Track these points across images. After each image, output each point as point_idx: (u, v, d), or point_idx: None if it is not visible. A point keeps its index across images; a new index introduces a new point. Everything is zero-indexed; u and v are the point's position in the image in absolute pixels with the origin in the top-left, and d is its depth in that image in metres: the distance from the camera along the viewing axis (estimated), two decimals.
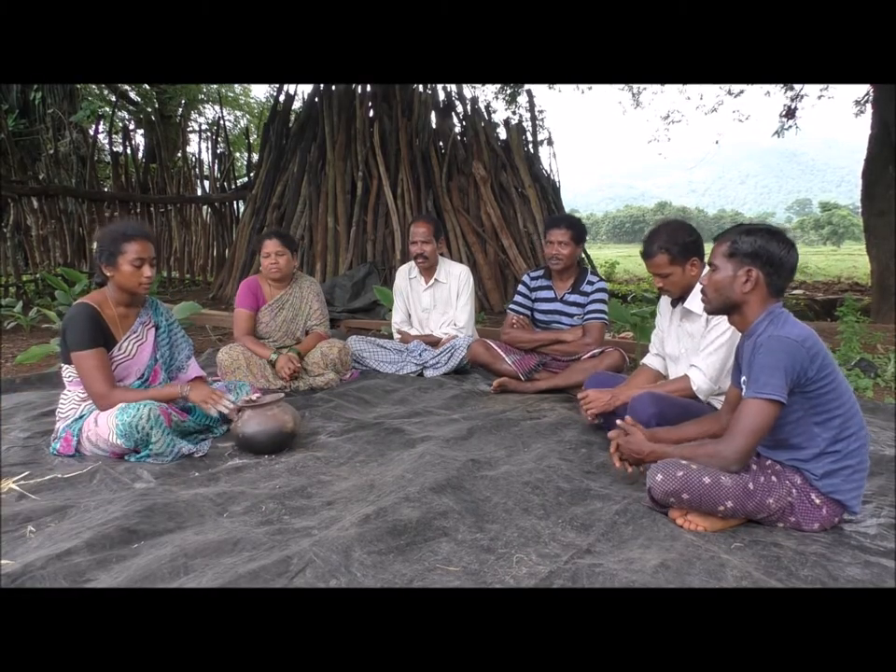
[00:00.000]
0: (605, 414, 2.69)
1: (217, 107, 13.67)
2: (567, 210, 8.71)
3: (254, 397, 2.65)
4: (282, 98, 8.57)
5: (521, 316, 3.72)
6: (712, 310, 2.01)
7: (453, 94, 8.37)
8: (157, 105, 13.36)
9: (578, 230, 3.55)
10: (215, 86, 13.82)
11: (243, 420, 2.53)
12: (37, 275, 7.50)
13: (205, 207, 10.25)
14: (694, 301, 2.52)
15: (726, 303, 1.93)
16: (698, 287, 2.51)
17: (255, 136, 12.69)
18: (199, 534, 1.84)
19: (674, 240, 2.50)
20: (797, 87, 9.64)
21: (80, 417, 2.54)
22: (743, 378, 1.91)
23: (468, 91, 8.60)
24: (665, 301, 2.76)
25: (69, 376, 2.56)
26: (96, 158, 9.98)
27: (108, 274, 2.56)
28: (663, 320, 2.78)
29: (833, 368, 1.81)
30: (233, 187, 10.57)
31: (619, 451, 2.09)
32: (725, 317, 2.06)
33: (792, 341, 1.77)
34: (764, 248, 1.85)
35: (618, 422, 2.15)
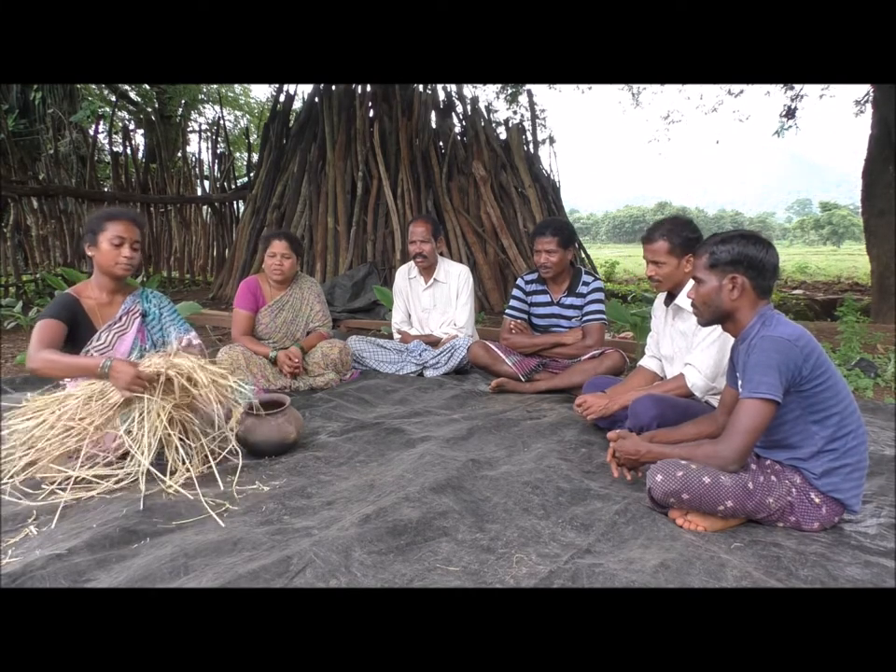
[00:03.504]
0: (605, 418, 2.70)
1: (217, 107, 13.68)
2: (566, 210, 8.71)
3: (255, 401, 2.63)
4: (282, 98, 8.57)
5: (518, 321, 3.72)
6: (705, 322, 2.02)
7: (453, 94, 8.37)
8: (157, 105, 13.36)
9: (564, 234, 3.50)
10: (215, 86, 13.83)
11: (246, 426, 2.52)
12: (37, 275, 7.50)
13: (205, 207, 10.25)
14: (685, 299, 2.55)
15: (717, 313, 1.95)
16: (689, 284, 2.53)
17: (255, 136, 12.70)
18: (199, 534, 1.84)
19: (678, 232, 2.55)
20: (797, 87, 9.64)
21: None
22: (739, 381, 1.91)
23: (468, 90, 8.61)
24: (659, 302, 2.78)
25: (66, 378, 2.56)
26: (96, 158, 9.97)
27: (90, 254, 2.57)
28: (657, 322, 2.80)
29: (828, 366, 1.81)
30: (233, 187, 10.57)
31: (616, 457, 2.10)
32: None
33: (785, 340, 1.77)
34: (743, 253, 1.87)
35: (608, 435, 2.16)
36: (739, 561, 1.67)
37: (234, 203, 10.11)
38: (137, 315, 2.68)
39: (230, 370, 3.37)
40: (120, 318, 2.63)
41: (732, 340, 2.05)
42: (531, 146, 8.43)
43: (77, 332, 2.55)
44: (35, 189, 7.97)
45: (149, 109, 13.39)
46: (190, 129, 14.12)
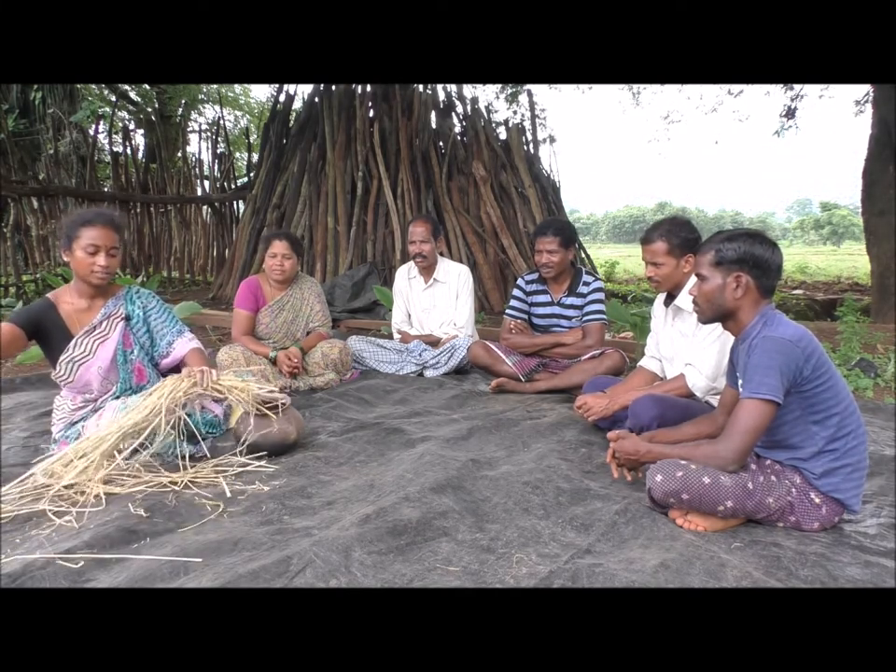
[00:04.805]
0: (605, 418, 2.70)
1: (217, 107, 13.68)
2: (566, 210, 8.71)
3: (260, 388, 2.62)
4: (282, 98, 8.57)
5: (518, 321, 3.72)
6: (706, 319, 2.02)
7: (453, 94, 8.37)
8: (157, 105, 13.35)
9: (566, 234, 3.51)
10: (215, 86, 13.83)
11: (246, 426, 2.52)
12: (37, 275, 7.50)
13: (205, 207, 10.25)
14: (685, 299, 2.55)
15: (719, 311, 1.94)
16: (689, 284, 2.54)
17: (255, 136, 12.69)
18: (199, 534, 1.84)
19: (676, 232, 2.55)
20: (797, 87, 9.64)
21: (73, 424, 2.53)
22: (739, 381, 1.91)
23: (468, 90, 8.61)
24: (658, 303, 2.78)
25: (59, 378, 2.54)
26: (96, 158, 9.97)
27: (66, 260, 2.47)
28: (657, 322, 2.80)
29: (828, 366, 1.81)
30: (233, 187, 10.56)
31: (616, 458, 2.10)
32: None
33: (787, 341, 1.77)
34: (749, 252, 1.86)
35: (608, 435, 2.15)
36: (739, 561, 1.67)
37: (234, 202, 10.10)
38: (119, 319, 2.58)
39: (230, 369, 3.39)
40: (101, 324, 2.54)
41: (732, 340, 2.06)
42: (531, 146, 8.43)
43: (49, 339, 2.48)
44: (35, 188, 7.97)
45: (149, 109, 13.39)
46: (190, 129, 14.12)
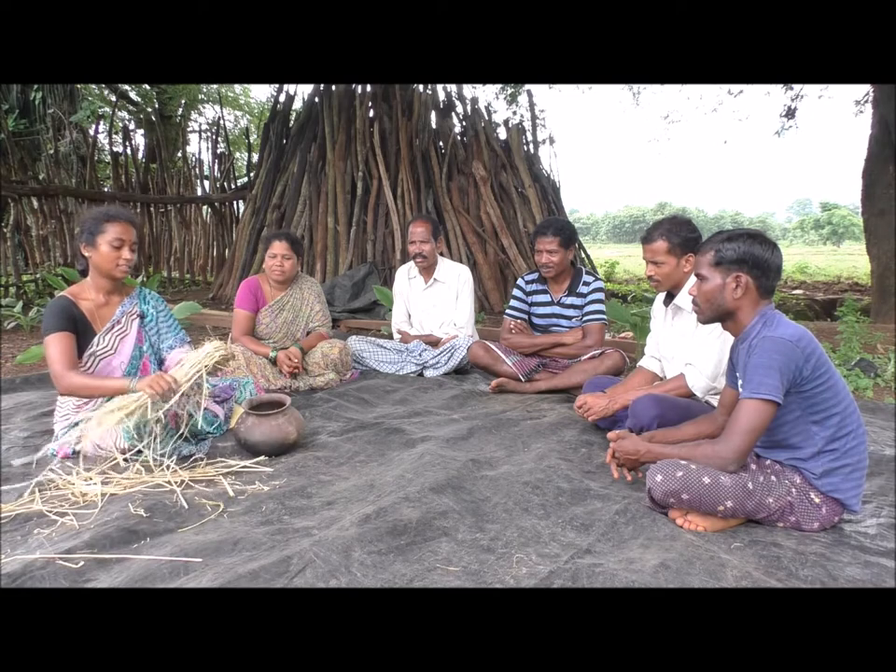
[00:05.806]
0: (605, 418, 2.70)
1: (217, 107, 13.67)
2: (566, 210, 8.71)
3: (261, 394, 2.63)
4: (282, 98, 8.57)
5: (518, 321, 3.72)
6: (706, 319, 2.01)
7: (453, 94, 8.37)
8: (157, 105, 13.35)
9: (566, 234, 3.51)
10: (215, 86, 13.82)
11: (246, 426, 2.52)
12: (37, 275, 7.50)
13: (205, 207, 10.26)
14: (684, 299, 2.55)
15: (719, 312, 1.94)
16: (689, 284, 2.53)
17: (255, 136, 12.70)
18: (199, 534, 1.84)
19: (676, 231, 2.55)
20: (797, 87, 9.63)
21: (76, 424, 2.53)
22: (739, 381, 1.91)
23: (468, 91, 8.61)
24: (658, 303, 2.78)
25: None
26: (96, 158, 9.97)
27: (87, 255, 2.54)
28: (656, 322, 2.80)
29: (828, 366, 1.81)
30: (233, 187, 10.57)
31: (615, 458, 2.10)
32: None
33: (786, 341, 1.77)
34: (749, 252, 1.86)
35: (608, 435, 2.15)
36: (739, 561, 1.67)
37: (234, 203, 10.11)
38: (135, 316, 2.68)
39: (229, 368, 3.40)
40: (120, 320, 2.62)
41: (732, 340, 2.06)
42: (531, 146, 8.43)
43: (76, 334, 2.52)
44: (35, 189, 7.97)
45: (149, 109, 13.38)
46: (190, 129, 14.12)
